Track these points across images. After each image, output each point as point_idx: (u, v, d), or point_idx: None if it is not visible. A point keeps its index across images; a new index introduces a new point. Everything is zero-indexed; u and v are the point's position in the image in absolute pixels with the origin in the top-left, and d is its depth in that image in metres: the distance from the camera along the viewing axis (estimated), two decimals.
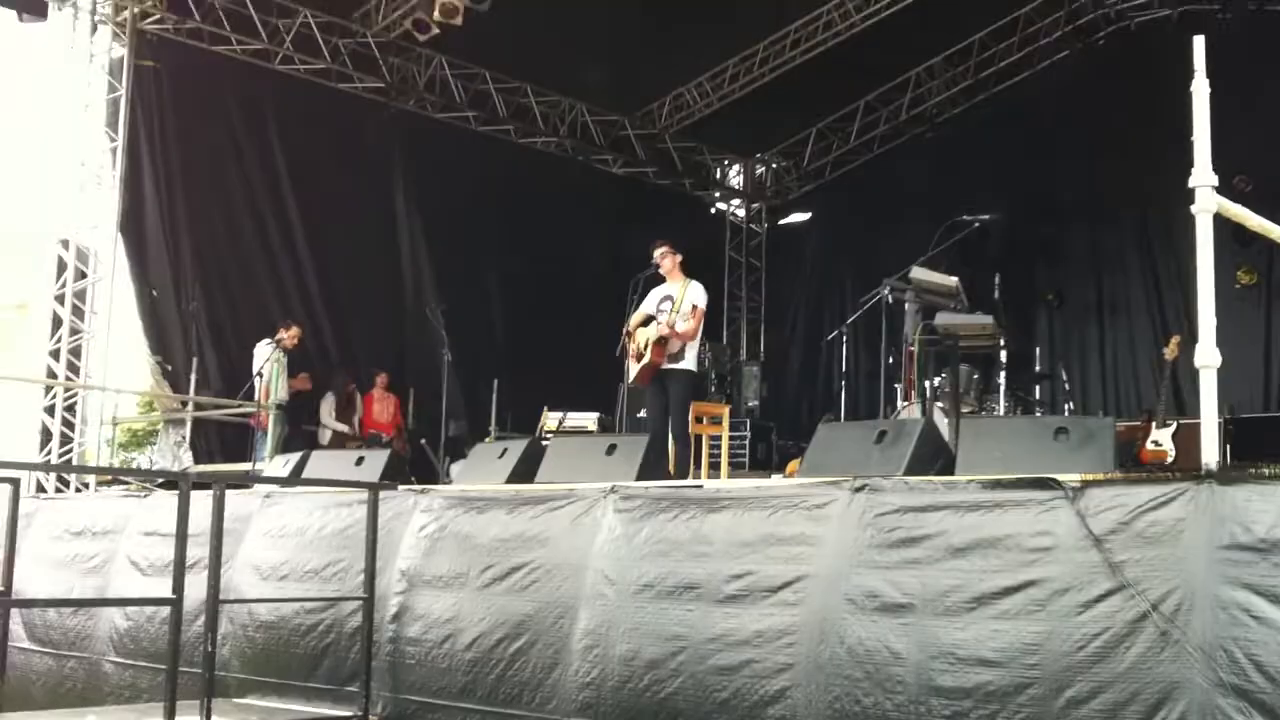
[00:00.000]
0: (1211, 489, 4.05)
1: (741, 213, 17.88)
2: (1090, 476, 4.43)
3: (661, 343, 8.67)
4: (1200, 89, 4.42)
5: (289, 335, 11.86)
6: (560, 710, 5.48)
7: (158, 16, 11.95)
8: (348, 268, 13.19)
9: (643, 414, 9.54)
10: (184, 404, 11.98)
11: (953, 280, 8.00)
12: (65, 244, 11.71)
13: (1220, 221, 4.50)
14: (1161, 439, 8.79)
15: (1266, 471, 4.01)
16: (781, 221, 17.41)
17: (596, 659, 5.44)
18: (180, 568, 5.55)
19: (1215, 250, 4.34)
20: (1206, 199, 4.39)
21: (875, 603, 4.71)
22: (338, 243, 13.10)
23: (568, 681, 5.50)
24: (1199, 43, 4.46)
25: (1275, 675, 3.72)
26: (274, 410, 11.36)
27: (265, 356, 11.60)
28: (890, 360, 9.37)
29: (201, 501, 5.85)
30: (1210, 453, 4.19)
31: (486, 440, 10.14)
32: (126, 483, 10.85)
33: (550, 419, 11.28)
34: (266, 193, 12.89)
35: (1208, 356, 4.28)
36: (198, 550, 5.89)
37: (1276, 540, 3.84)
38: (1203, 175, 4.41)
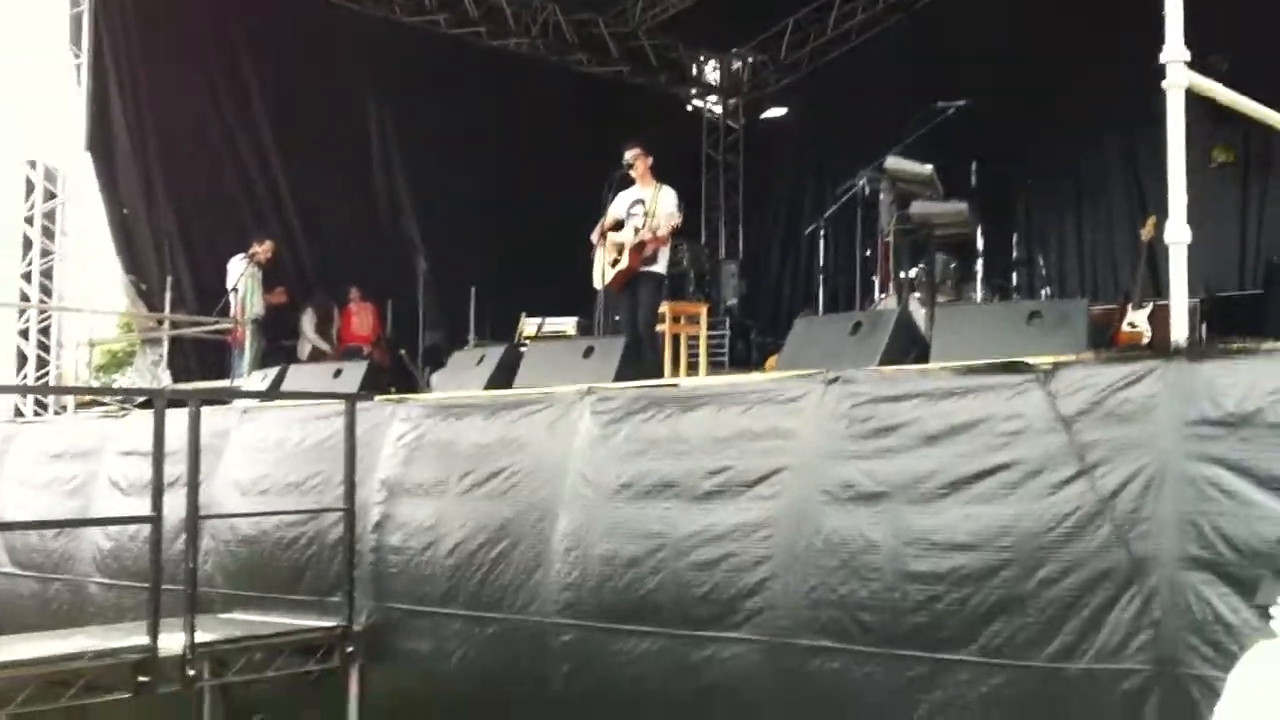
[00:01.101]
0: (1181, 366, 4.05)
1: (719, 109, 17.64)
2: (1061, 358, 4.42)
3: (638, 249, 8.62)
4: None
5: (262, 249, 11.75)
6: (542, 612, 5.52)
7: None
8: (321, 179, 13.00)
9: (619, 319, 9.49)
10: (160, 323, 11.91)
11: (927, 168, 7.90)
12: (32, 164, 11.53)
13: (1196, 99, 4.44)
14: (1138, 320, 8.77)
15: (1235, 347, 4.01)
16: (760, 116, 17.19)
17: (577, 560, 5.47)
18: (158, 485, 5.55)
19: (1191, 129, 4.30)
20: (1178, 74, 4.34)
21: (850, 492, 4.72)
22: (310, 154, 12.87)
23: (549, 583, 5.54)
24: None
25: (1243, 548, 3.75)
26: (250, 326, 11.31)
27: (240, 272, 11.51)
28: (868, 253, 9.31)
29: (179, 419, 5.82)
30: (1180, 330, 4.18)
31: (465, 348, 10.11)
32: (104, 403, 10.82)
33: (528, 325, 11.23)
34: (236, 105, 12.65)
35: (1178, 233, 4.27)
36: (178, 468, 5.89)
37: (1244, 414, 3.85)
38: (1174, 50, 4.35)
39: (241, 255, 11.60)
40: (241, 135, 12.69)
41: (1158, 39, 4.42)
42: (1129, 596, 3.95)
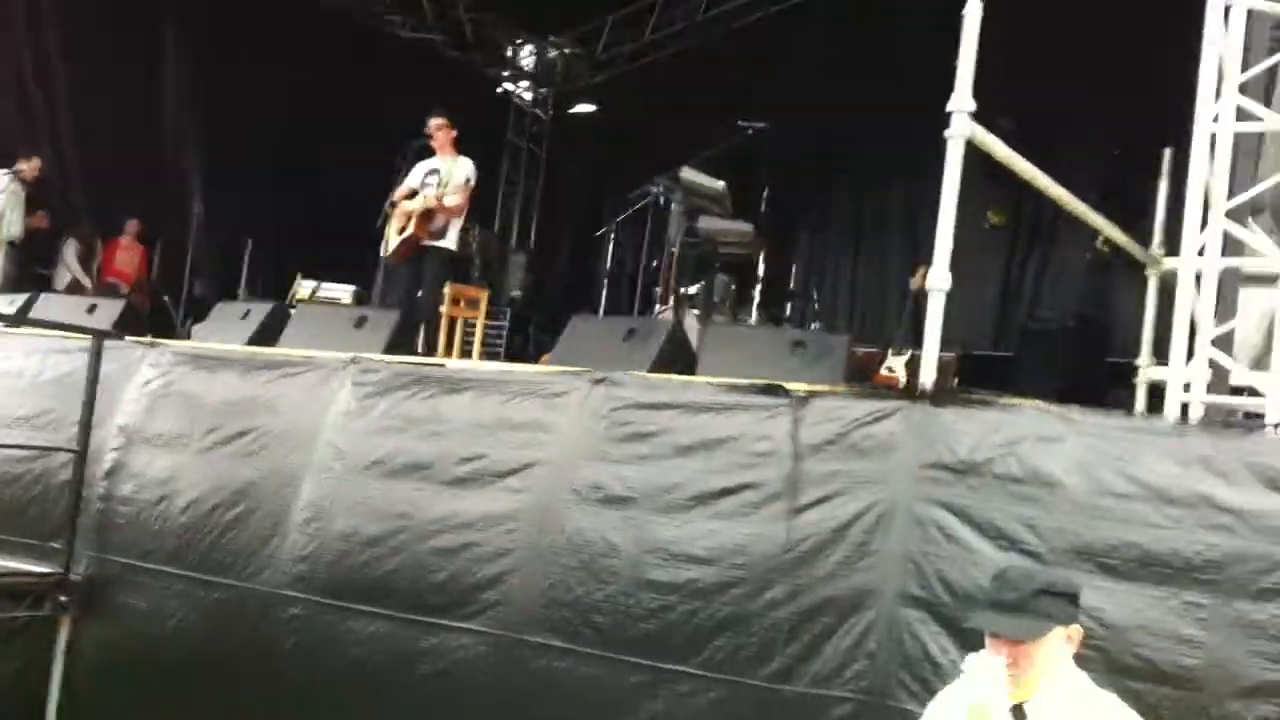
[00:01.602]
0: (923, 409, 4.22)
1: (529, 96, 17.55)
2: (816, 388, 4.56)
3: (426, 216, 8.43)
4: (973, 11, 4.49)
5: (29, 166, 11.06)
6: (271, 582, 5.36)
7: None
8: (103, 100, 12.25)
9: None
10: None
11: (720, 184, 8.04)
12: None
13: (976, 156, 4.63)
14: (896, 365, 9.14)
15: (975, 396, 4.20)
16: (569, 110, 17.17)
17: (315, 532, 5.34)
18: None
19: (970, 188, 4.47)
20: (962, 124, 4.49)
21: (599, 494, 4.75)
22: (96, 72, 12.09)
23: (283, 553, 5.38)
24: None
25: (958, 590, 3.93)
26: (5, 248, 10.62)
27: (1, 188, 10.79)
28: (654, 264, 9.41)
29: None
30: (928, 374, 4.36)
31: (231, 302, 9.71)
32: None
33: (303, 287, 10.84)
34: (24, 16, 11.83)
35: (940, 279, 4.43)
36: None
37: (974, 462, 4.04)
38: (961, 100, 4.50)
39: (5, 170, 10.88)
40: (25, 41, 11.86)
41: (949, 86, 4.57)
42: (848, 626, 4.10)
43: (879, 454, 4.21)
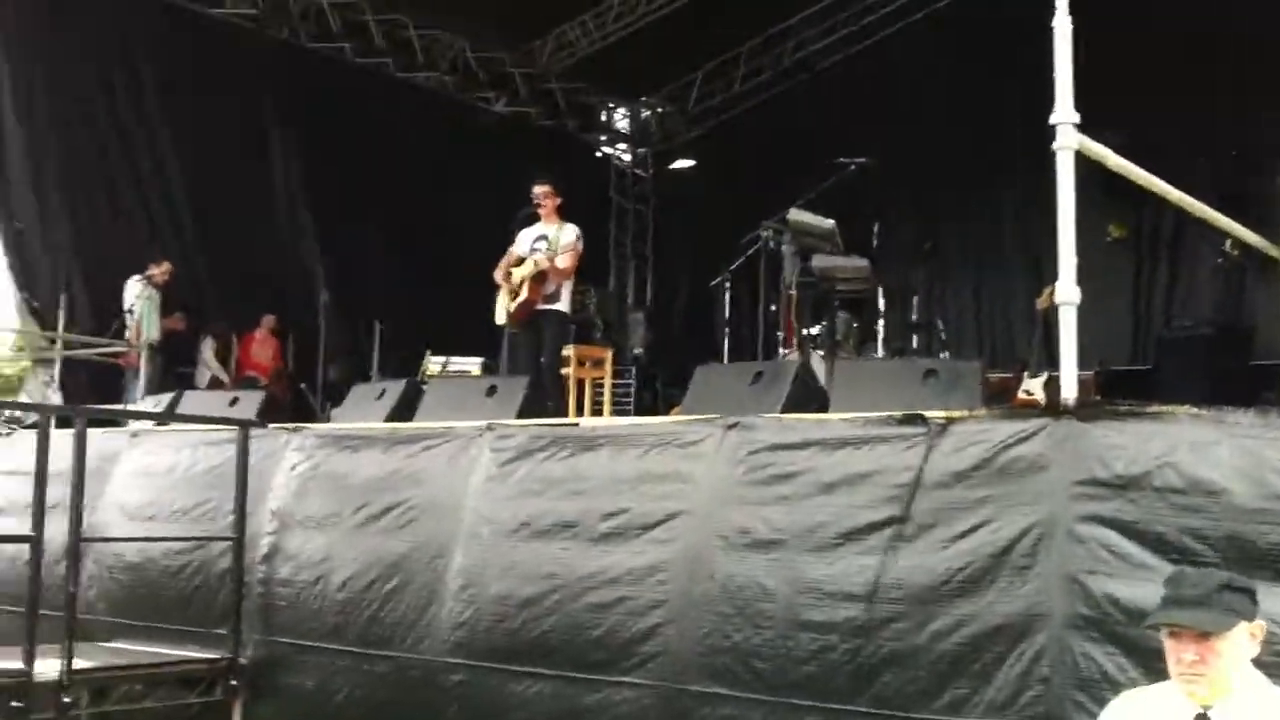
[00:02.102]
0: (1070, 425, 4.14)
1: (627, 157, 17.78)
2: (955, 414, 4.51)
3: (539, 279, 8.60)
4: (1062, 25, 4.45)
5: (160, 271, 11.51)
6: (433, 650, 5.45)
7: None
8: (222, 203, 12.73)
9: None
10: (52, 342, 11.57)
11: (829, 222, 8.03)
12: None
13: (1090, 171, 4.57)
14: (1033, 388, 8.95)
15: (1123, 409, 4.12)
16: (668, 167, 17.35)
17: (471, 598, 5.42)
18: (40, 505, 5.40)
19: (1085, 204, 4.40)
20: (1067, 135, 4.43)
21: (746, 539, 4.75)
22: (212, 177, 12.61)
23: (441, 622, 5.48)
24: None
25: (1129, 607, 3.82)
26: (145, 350, 11.04)
27: (136, 293, 11.25)
28: (773, 307, 9.40)
29: (67, 440, 5.66)
30: (1070, 389, 4.28)
31: (366, 384, 9.96)
32: None
33: (433, 364, 11.10)
34: (137, 124, 12.38)
35: (1068, 293, 4.36)
36: (63, 491, 5.71)
37: (1131, 475, 3.95)
38: (1064, 112, 4.45)
39: (138, 276, 11.35)
40: (143, 154, 12.41)
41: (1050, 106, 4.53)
42: (1019, 653, 4.01)
43: (1029, 475, 4.14)
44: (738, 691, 4.58)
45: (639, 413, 12.11)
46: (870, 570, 4.36)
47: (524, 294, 8.57)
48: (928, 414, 4.54)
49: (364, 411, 7.29)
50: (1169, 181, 5.37)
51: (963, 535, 4.23)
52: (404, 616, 5.61)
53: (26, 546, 5.49)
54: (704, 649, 4.70)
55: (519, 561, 5.34)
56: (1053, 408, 4.28)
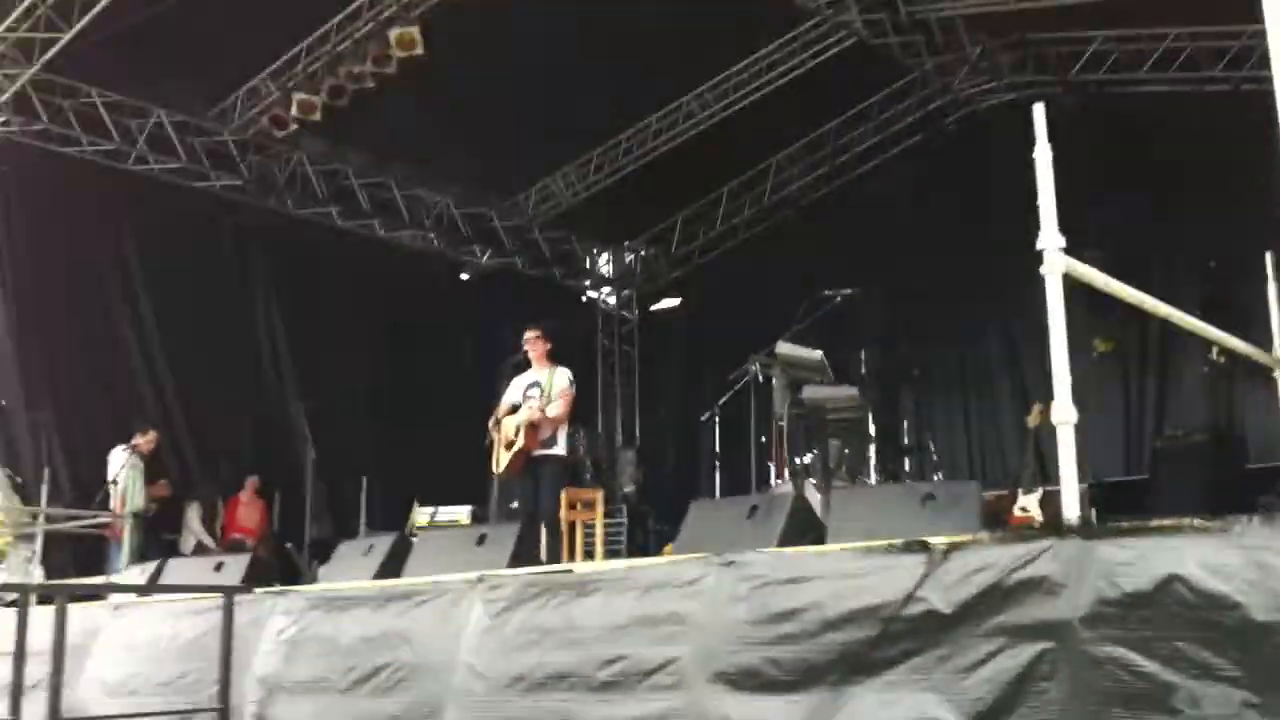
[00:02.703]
0: (1077, 544, 4.02)
1: (613, 300, 17.89)
2: (957, 539, 4.39)
3: (533, 428, 8.54)
4: (1042, 154, 4.49)
5: (145, 440, 11.45)
6: None
7: (4, 119, 11.56)
8: (206, 370, 12.80)
9: (516, 505, 9.36)
10: (35, 517, 11.40)
11: (817, 354, 8.05)
12: None
13: (1072, 288, 4.54)
14: (1029, 504, 8.89)
15: (1125, 525, 4.00)
16: (653, 308, 17.45)
17: None
18: (17, 687, 5.20)
19: (1072, 320, 4.37)
20: (1055, 261, 4.44)
21: (754, 681, 4.56)
22: (195, 345, 12.71)
23: None
24: (1039, 110, 4.53)
25: None
26: (130, 519, 10.89)
27: (121, 463, 11.16)
28: (763, 439, 9.35)
29: (47, 617, 5.50)
30: (1072, 508, 4.18)
31: (353, 540, 9.79)
32: None
33: (420, 515, 10.99)
34: (120, 295, 12.54)
35: (1064, 413, 4.30)
36: (42, 669, 5.52)
37: (1142, 593, 3.81)
38: (1050, 238, 4.46)
39: (123, 446, 11.27)
40: (125, 325, 12.52)
41: (1033, 229, 4.53)
42: None
43: (1038, 598, 4.00)
44: None
45: (631, 552, 11.93)
46: (897, 706, 4.15)
47: (520, 442, 8.51)
48: (930, 540, 4.40)
49: (352, 569, 7.13)
50: (1151, 293, 5.36)
51: (979, 664, 4.05)
52: None
53: None
54: None
55: (516, 718, 5.12)
56: (1055, 527, 4.16)
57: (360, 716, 5.61)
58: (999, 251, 12.28)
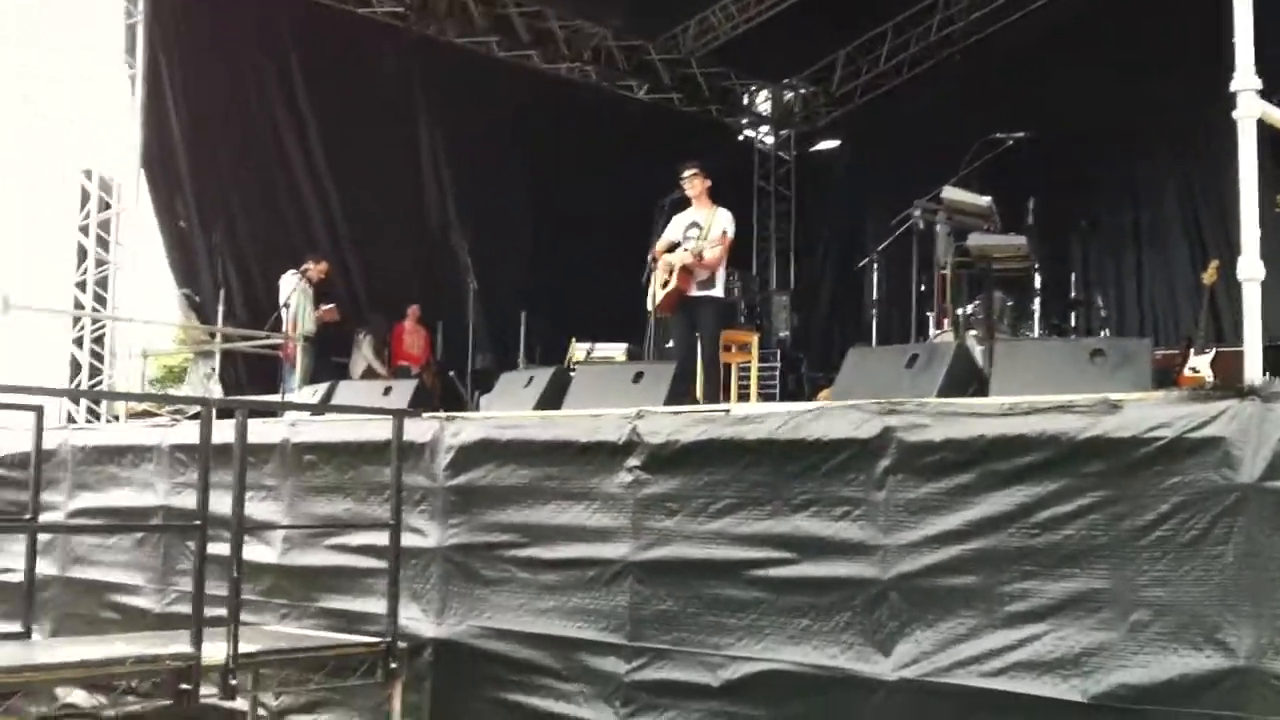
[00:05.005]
0: (1255, 405, 3.90)
1: (770, 140, 17.62)
2: (1129, 396, 4.29)
3: (686, 271, 8.55)
4: None
5: (316, 268, 11.82)
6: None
7: None
8: (372, 198, 13.07)
9: (671, 345, 9.42)
10: (212, 335, 11.96)
11: (985, 200, 7.80)
12: (88, 174, 11.64)
13: (1260, 141, 4.30)
14: (1200, 365, 8.59)
15: None
16: (811, 149, 17.14)
17: None
18: (204, 492, 5.52)
19: (1256, 171, 4.16)
20: (1249, 104, 4.19)
21: None
22: (361, 172, 12.95)
23: None
24: None
25: None
26: (302, 342, 11.33)
27: (291, 287, 11.55)
28: (923, 287, 9.19)
29: (228, 430, 5.80)
30: (1254, 369, 4.04)
31: (514, 371, 10.05)
32: (155, 413, 10.85)
33: (578, 350, 11.16)
34: (290, 123, 12.76)
35: (1251, 269, 4.12)
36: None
37: None
38: (1245, 79, 4.20)
39: (294, 271, 11.65)
40: (295, 153, 12.78)
41: (1219, 75, 4.29)
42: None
43: (1214, 461, 3.90)
44: None
45: (783, 398, 11.97)
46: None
47: (674, 283, 8.54)
48: (1112, 396, 4.29)
49: (513, 399, 7.32)
50: None
51: (1153, 524, 4.00)
52: None
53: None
54: None
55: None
56: (1235, 388, 4.02)
57: None
58: (1182, 100, 11.72)
